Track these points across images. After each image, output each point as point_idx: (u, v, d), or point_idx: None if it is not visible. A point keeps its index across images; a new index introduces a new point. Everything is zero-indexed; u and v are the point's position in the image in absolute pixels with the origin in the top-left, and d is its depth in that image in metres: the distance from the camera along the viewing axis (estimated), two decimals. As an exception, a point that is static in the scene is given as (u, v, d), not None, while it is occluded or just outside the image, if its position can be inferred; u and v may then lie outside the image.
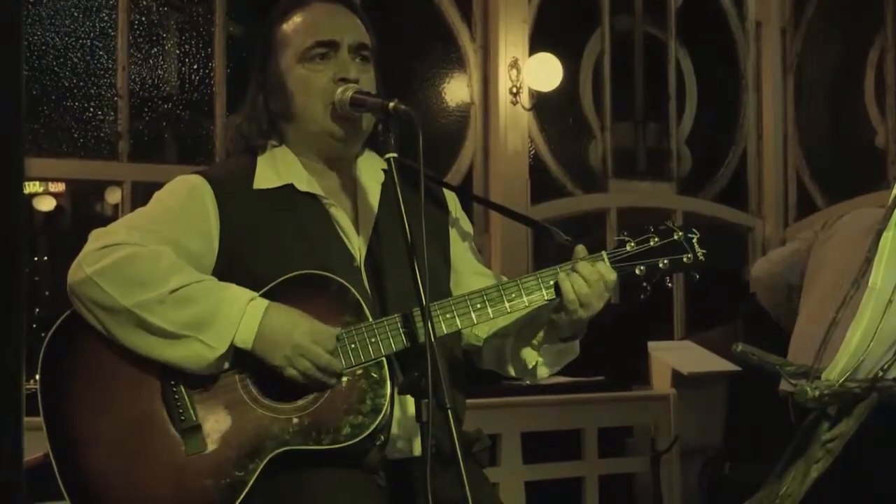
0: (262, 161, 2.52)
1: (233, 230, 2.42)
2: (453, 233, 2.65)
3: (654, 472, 5.17)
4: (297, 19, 2.54)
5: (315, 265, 2.39)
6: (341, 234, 2.48)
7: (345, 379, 2.31)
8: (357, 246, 2.48)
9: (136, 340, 2.29)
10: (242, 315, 2.27)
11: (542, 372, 2.54)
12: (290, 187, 2.48)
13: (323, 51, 2.49)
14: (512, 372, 2.59)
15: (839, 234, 4.01)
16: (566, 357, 2.54)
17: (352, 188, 2.56)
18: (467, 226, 2.70)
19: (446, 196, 2.68)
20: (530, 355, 2.53)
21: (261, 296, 2.33)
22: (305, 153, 2.53)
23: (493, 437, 4.20)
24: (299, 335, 2.27)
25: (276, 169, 2.51)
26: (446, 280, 2.58)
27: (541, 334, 2.50)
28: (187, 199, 2.44)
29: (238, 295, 2.30)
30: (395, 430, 2.36)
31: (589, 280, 2.37)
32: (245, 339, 2.27)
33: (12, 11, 1.17)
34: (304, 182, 2.49)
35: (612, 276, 2.41)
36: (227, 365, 2.30)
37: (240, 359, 2.30)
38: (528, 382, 2.70)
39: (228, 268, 2.40)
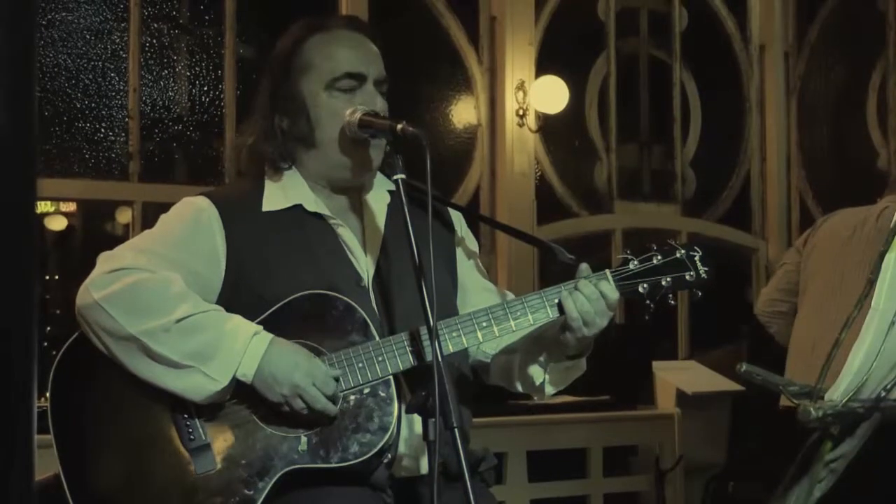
0: (269, 183, 2.54)
1: (239, 251, 2.44)
2: (459, 251, 2.67)
3: (659, 490, 5.23)
4: (321, 45, 2.54)
5: (323, 285, 2.40)
6: (349, 253, 2.49)
7: (353, 398, 2.33)
8: (365, 266, 2.50)
9: (140, 367, 2.30)
10: (245, 349, 2.28)
11: (550, 389, 2.57)
12: (298, 208, 2.50)
13: (352, 84, 2.49)
14: (520, 388, 2.61)
15: (819, 245, 4.06)
16: (573, 374, 2.56)
17: (359, 209, 2.58)
18: (473, 244, 2.72)
19: (452, 216, 2.70)
20: (537, 373, 2.55)
21: (268, 316, 2.36)
22: (317, 179, 2.54)
23: (500, 456, 4.21)
24: (299, 376, 2.28)
25: (284, 191, 2.52)
26: (453, 298, 2.59)
27: (547, 352, 2.51)
28: (193, 221, 2.46)
29: (242, 328, 2.32)
30: (402, 448, 2.38)
31: (590, 298, 2.38)
32: (246, 374, 2.29)
33: (26, 34, 1.17)
34: (312, 203, 2.51)
35: (613, 294, 2.42)
36: (227, 396, 2.32)
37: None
38: (536, 399, 2.72)
39: (235, 288, 2.42)
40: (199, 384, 2.28)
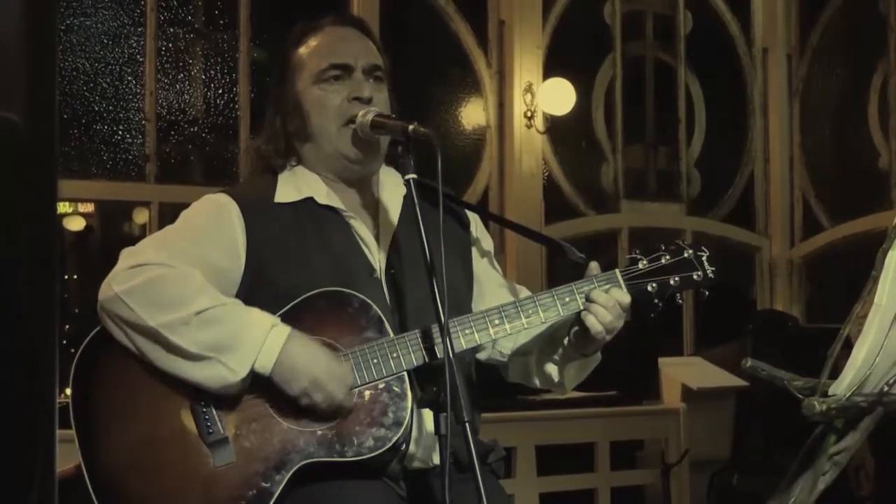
0: (282, 178, 2.56)
1: (259, 244, 2.45)
2: (475, 250, 2.70)
3: (665, 483, 5.25)
4: (312, 43, 2.59)
5: (338, 276, 2.43)
6: (362, 245, 2.51)
7: (367, 393, 2.35)
8: (377, 258, 2.51)
9: (161, 359, 2.32)
10: (264, 341, 2.29)
11: (568, 385, 2.61)
12: (310, 201, 2.52)
13: (337, 73, 2.54)
14: (538, 385, 2.66)
15: None
16: (589, 366, 2.60)
17: (372, 203, 2.60)
18: (488, 244, 2.75)
19: (468, 216, 2.73)
20: (554, 370, 2.59)
21: (285, 312, 2.37)
22: (323, 171, 2.57)
23: (509, 450, 4.20)
24: (318, 370, 2.30)
25: (296, 185, 2.55)
26: (467, 295, 2.62)
27: (561, 350, 2.55)
28: (215, 216, 2.48)
29: (260, 320, 2.32)
30: (414, 441, 2.41)
31: (607, 306, 2.41)
32: (265, 366, 2.29)
33: (47, 39, 1.20)
34: (324, 196, 2.53)
35: (626, 298, 2.44)
36: (245, 387, 2.32)
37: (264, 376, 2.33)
38: (556, 393, 2.77)
39: (255, 281, 2.44)
40: (218, 374, 2.29)
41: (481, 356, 2.67)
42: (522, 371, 2.67)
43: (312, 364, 2.30)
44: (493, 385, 2.75)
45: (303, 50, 2.59)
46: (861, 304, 2.65)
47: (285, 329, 2.32)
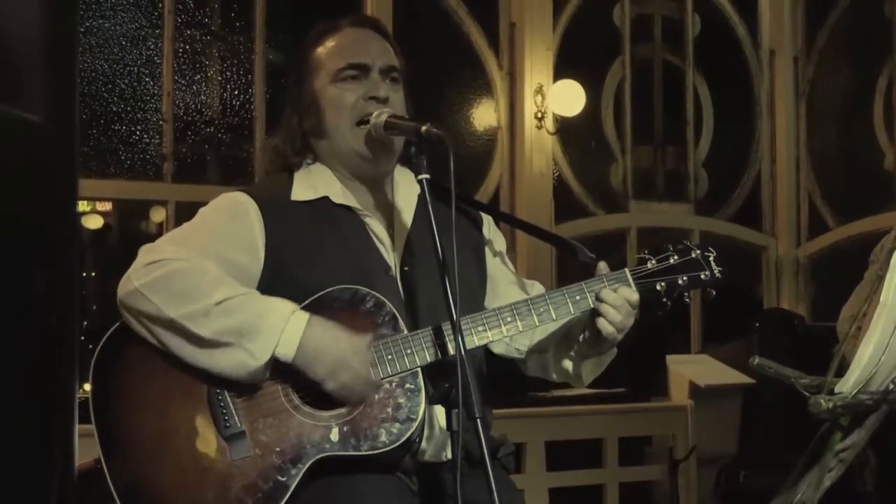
0: (298, 177, 2.59)
1: (277, 241, 2.47)
2: (488, 249, 2.73)
3: (672, 479, 5.27)
4: (329, 43, 2.62)
5: (354, 273, 2.45)
6: (377, 243, 2.54)
7: (382, 389, 2.37)
8: (392, 256, 2.54)
9: (183, 350, 2.34)
10: (284, 327, 2.31)
11: (586, 379, 2.64)
12: (326, 200, 2.54)
13: (354, 73, 2.56)
14: (556, 378, 2.69)
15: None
16: (605, 362, 2.64)
17: (386, 202, 2.62)
18: (500, 244, 2.79)
19: (481, 216, 2.77)
20: (570, 366, 2.63)
21: (302, 308, 2.37)
22: (339, 169, 2.59)
23: (519, 446, 4.21)
24: (341, 349, 2.32)
25: (311, 183, 2.57)
26: (481, 293, 2.66)
27: (576, 347, 2.58)
28: (233, 214, 2.51)
29: (280, 307, 2.34)
30: (427, 436, 2.44)
31: (616, 305, 2.44)
32: (286, 352, 2.31)
33: (68, 42, 1.22)
34: (339, 195, 2.56)
35: (634, 296, 2.47)
36: (268, 374, 2.34)
37: (281, 368, 2.34)
38: (575, 386, 2.81)
39: (273, 277, 2.46)
40: (240, 361, 2.31)
41: (496, 349, 2.70)
42: (540, 366, 2.71)
43: (335, 345, 2.33)
44: (506, 379, 2.78)
45: (321, 50, 2.62)
46: (867, 303, 2.70)
47: (304, 315, 2.34)
